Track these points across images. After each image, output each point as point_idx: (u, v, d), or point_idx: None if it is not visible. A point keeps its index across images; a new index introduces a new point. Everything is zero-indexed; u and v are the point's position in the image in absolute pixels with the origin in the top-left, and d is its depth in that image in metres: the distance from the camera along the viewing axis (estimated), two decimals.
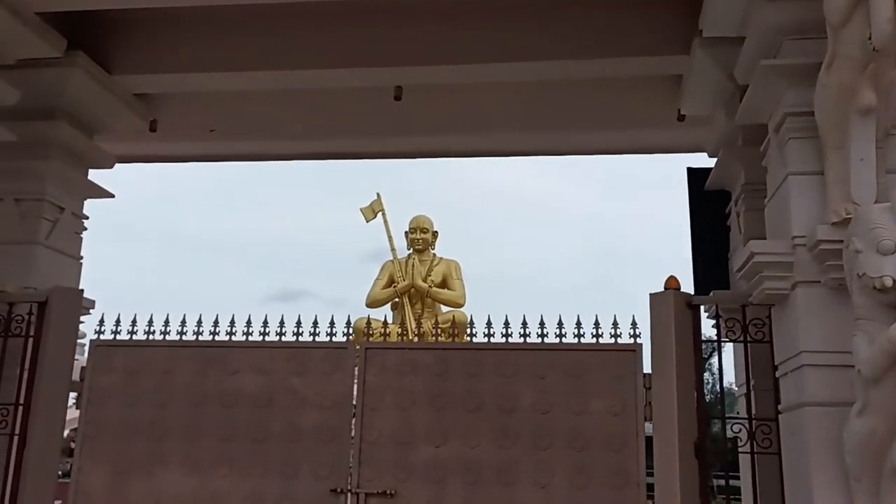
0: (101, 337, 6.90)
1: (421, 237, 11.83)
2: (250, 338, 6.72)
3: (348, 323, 6.72)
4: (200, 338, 6.72)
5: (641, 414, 6.11)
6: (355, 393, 6.48)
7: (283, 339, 6.69)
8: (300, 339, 6.66)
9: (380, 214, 12.09)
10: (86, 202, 7.85)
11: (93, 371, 6.89)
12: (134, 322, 6.87)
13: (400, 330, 7.12)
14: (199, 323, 6.76)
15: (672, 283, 6.09)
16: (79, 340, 6.91)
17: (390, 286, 11.58)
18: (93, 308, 7.19)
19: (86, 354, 6.94)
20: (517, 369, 6.41)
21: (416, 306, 11.36)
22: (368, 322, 6.91)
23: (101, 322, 6.92)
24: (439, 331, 7.72)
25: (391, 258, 11.87)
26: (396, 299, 11.55)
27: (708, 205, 7.00)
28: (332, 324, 6.65)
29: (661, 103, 7.48)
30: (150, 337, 6.83)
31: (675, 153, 8.42)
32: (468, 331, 6.51)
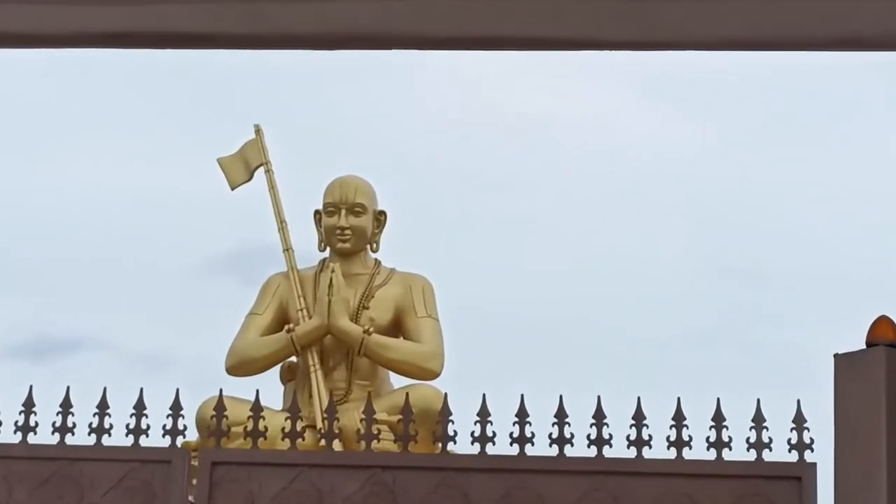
0: None
1: (351, 223, 7.44)
2: None
3: (177, 407, 5.37)
4: None
5: None
6: None
7: (32, 439, 5.53)
8: (69, 440, 5.48)
9: (260, 171, 7.53)
10: None
11: None
12: None
13: (289, 424, 5.14)
14: None
15: (884, 332, 4.69)
16: None
17: (281, 329, 7.44)
18: None
19: None
20: None
21: (334, 373, 7.50)
22: (220, 404, 5.27)
23: None
24: (378, 428, 5.42)
25: (285, 269, 7.79)
26: (293, 358, 7.63)
27: None
28: (139, 408, 5.36)
29: None
30: None
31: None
32: (441, 428, 5.38)
